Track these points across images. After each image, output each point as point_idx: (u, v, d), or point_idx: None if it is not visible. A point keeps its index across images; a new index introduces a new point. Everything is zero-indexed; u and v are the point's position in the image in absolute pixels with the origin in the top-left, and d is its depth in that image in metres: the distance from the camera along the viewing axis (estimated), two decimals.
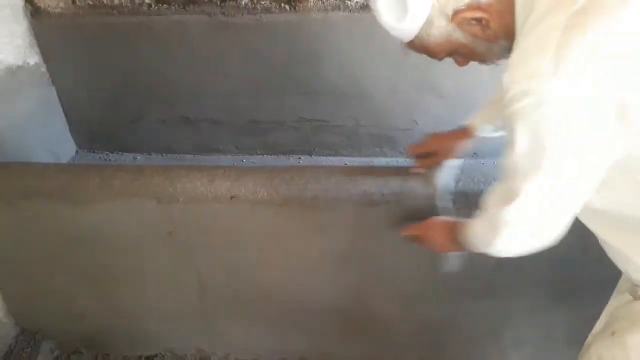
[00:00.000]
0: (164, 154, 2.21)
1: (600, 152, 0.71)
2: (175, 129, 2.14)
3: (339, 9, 1.74)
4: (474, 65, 1.76)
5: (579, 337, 1.45)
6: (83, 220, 1.43)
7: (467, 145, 1.26)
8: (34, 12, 1.95)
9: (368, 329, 1.56)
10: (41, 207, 1.42)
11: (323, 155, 2.08)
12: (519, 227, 0.81)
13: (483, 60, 0.94)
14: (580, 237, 1.23)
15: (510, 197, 0.78)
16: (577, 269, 1.34)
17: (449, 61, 1.76)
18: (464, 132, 1.25)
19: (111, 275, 1.55)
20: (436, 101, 1.86)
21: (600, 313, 1.38)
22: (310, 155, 2.09)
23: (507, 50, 0.83)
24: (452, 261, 1.18)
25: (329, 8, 1.75)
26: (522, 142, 0.73)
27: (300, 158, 2.10)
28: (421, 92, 1.85)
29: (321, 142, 2.05)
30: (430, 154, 1.28)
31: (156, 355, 1.73)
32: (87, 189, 1.41)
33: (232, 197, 1.34)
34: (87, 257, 1.51)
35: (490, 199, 0.87)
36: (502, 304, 1.43)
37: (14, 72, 1.89)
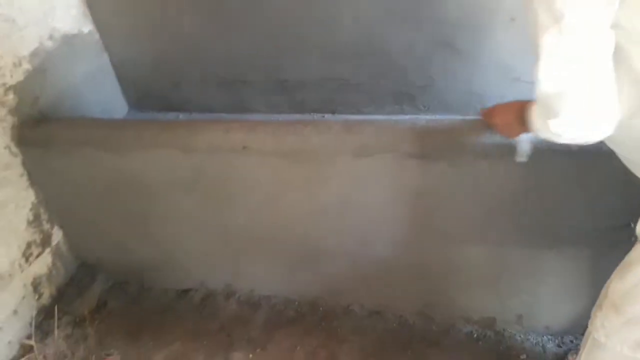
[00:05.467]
0: (204, 113, 2.40)
1: None
2: (213, 89, 2.31)
3: None
4: (486, 19, 1.78)
5: (573, 284, 1.52)
6: (122, 167, 1.64)
7: None
8: None
9: (370, 272, 1.69)
10: (89, 155, 1.64)
11: (345, 113, 2.18)
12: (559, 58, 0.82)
13: None
14: (569, 181, 1.30)
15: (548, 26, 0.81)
16: (565, 216, 1.38)
17: (461, 16, 1.79)
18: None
19: (149, 216, 1.77)
20: (451, 56, 1.88)
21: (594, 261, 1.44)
22: (334, 113, 2.20)
23: None
24: (522, 147, 1.25)
25: None
26: None
27: (324, 116, 2.21)
28: (436, 47, 1.88)
29: (343, 100, 2.15)
30: None
31: (191, 289, 1.97)
32: (124, 139, 1.62)
33: (244, 147, 1.49)
34: (129, 200, 1.74)
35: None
36: (495, 250, 1.50)
37: (69, 39, 2.13)
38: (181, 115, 2.42)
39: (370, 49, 1.95)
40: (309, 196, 1.55)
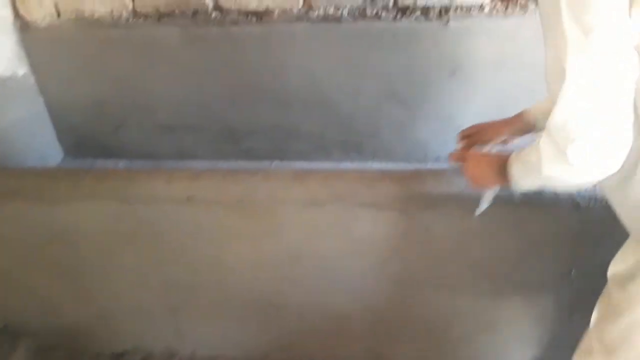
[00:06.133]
0: (146, 160, 2.31)
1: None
2: (156, 135, 2.24)
3: (302, 20, 1.84)
4: (434, 73, 1.86)
5: (525, 333, 1.52)
6: (55, 220, 1.52)
7: (517, 132, 1.29)
8: (22, 25, 2.07)
9: (324, 325, 1.63)
10: (18, 207, 1.51)
11: (294, 160, 2.17)
12: (579, 104, 0.78)
13: None
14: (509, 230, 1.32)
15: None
16: (510, 265, 1.39)
17: (406, 69, 1.86)
18: (516, 119, 1.29)
19: (83, 273, 1.63)
20: (396, 106, 1.94)
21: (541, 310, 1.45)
22: (282, 161, 2.18)
23: None
24: (487, 199, 1.21)
25: (292, 19, 1.84)
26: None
27: (272, 163, 2.18)
28: (382, 98, 1.93)
29: (292, 148, 2.14)
30: (476, 137, 1.33)
31: (127, 352, 1.81)
32: (57, 190, 1.51)
33: (188, 198, 1.42)
34: (61, 256, 1.60)
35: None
36: (448, 298, 1.49)
37: (3, 82, 2.01)
38: (121, 163, 2.32)
39: (319, 98, 1.98)
40: (256, 248, 1.49)
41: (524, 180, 0.96)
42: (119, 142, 2.27)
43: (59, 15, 2.03)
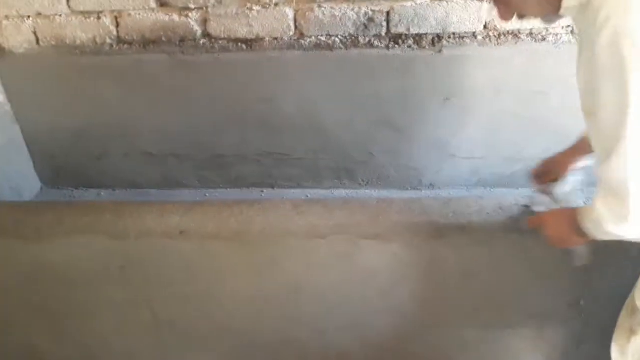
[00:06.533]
0: (128, 189, 2.22)
1: None
2: (139, 164, 2.16)
3: (294, 48, 1.81)
4: (428, 100, 1.85)
5: None
6: (37, 257, 1.43)
7: (585, 154, 1.26)
8: (5, 53, 1.98)
9: None
10: None
11: (285, 188, 2.11)
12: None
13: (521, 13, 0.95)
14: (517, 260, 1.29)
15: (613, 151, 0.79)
16: (518, 295, 1.36)
17: (399, 96, 1.85)
18: (580, 144, 1.26)
19: (66, 311, 1.53)
20: (392, 134, 1.92)
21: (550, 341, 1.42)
22: (273, 188, 2.12)
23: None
24: (580, 254, 1.16)
25: (283, 47, 1.82)
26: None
27: (262, 191, 2.12)
28: (375, 124, 1.91)
29: (283, 174, 2.09)
30: (548, 174, 1.30)
31: None
32: (40, 226, 1.42)
33: (181, 232, 1.35)
34: (43, 293, 1.50)
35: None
36: (453, 331, 1.45)
37: None
38: (103, 192, 2.22)
39: (311, 124, 1.94)
40: (254, 283, 1.42)
41: (600, 236, 0.93)
42: (100, 170, 2.18)
43: (37, 42, 1.95)
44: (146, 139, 2.08)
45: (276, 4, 1.75)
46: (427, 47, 1.78)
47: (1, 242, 1.42)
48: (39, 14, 1.89)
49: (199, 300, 1.47)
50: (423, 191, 2.01)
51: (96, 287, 1.47)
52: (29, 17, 1.90)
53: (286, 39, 1.82)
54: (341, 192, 2.05)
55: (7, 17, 1.91)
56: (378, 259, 1.34)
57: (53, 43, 1.93)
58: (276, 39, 1.81)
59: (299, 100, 1.89)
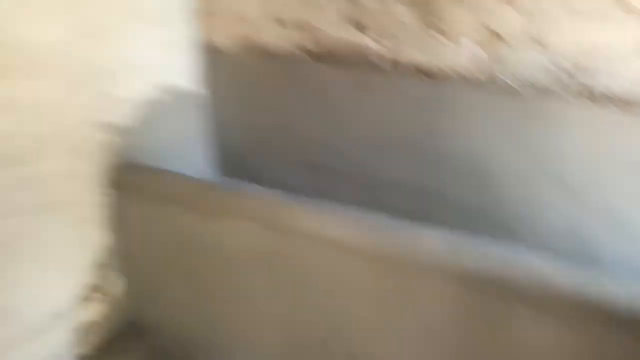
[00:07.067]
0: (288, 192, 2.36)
1: None
2: (300, 171, 2.29)
3: (478, 87, 1.77)
4: (612, 166, 1.64)
5: None
6: (203, 231, 1.57)
7: None
8: (209, 48, 2.27)
9: None
10: (171, 211, 1.60)
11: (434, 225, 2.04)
12: None
13: None
14: None
15: None
16: None
17: (585, 156, 1.67)
18: None
19: (212, 289, 1.66)
20: (564, 195, 1.75)
21: None
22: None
23: None
24: None
25: (469, 85, 1.79)
26: None
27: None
28: (549, 182, 1.76)
29: (433, 214, 2.03)
30: None
31: None
32: (210, 202, 1.56)
33: (330, 239, 1.38)
34: (197, 265, 1.64)
35: None
36: None
37: (183, 96, 2.21)
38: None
39: (474, 167, 1.87)
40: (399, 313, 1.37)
41: None
42: (267, 170, 2.35)
43: (241, 44, 2.20)
44: (313, 148, 2.20)
45: (467, 42, 1.74)
46: (630, 111, 1.60)
47: (175, 210, 1.58)
48: (241, 19, 2.12)
49: (327, 312, 1.47)
50: (604, 269, 1.76)
51: (239, 273, 1.56)
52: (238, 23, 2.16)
53: (471, 77, 1.79)
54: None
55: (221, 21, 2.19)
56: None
57: (255, 48, 2.16)
58: (465, 77, 1.79)
59: (466, 137, 1.85)
